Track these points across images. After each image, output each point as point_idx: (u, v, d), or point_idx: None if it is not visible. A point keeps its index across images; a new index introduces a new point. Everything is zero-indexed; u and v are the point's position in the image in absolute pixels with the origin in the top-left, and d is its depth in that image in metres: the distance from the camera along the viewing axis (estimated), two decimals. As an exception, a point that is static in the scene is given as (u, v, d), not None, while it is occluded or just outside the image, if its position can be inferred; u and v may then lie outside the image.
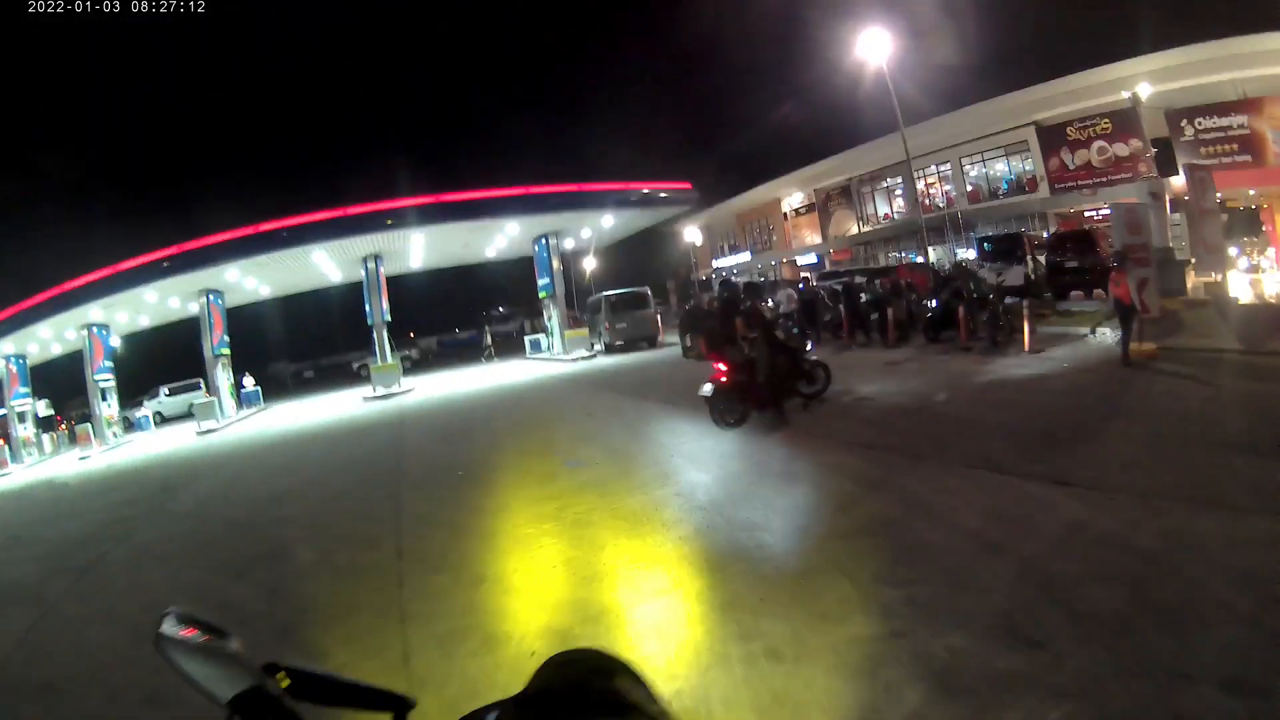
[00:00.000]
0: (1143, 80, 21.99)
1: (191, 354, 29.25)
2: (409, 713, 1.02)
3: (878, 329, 16.91)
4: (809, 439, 8.38)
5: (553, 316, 28.36)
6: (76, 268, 24.28)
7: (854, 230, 37.15)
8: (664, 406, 12.03)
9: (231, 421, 24.44)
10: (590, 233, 30.29)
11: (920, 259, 28.70)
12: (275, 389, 38.37)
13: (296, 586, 5.91)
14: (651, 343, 25.61)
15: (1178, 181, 20.89)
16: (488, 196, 24.86)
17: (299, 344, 52.33)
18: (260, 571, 6.47)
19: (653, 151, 58.06)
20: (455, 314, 60.95)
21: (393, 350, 27.12)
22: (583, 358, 24.77)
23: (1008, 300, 14.85)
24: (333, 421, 19.03)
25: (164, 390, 32.17)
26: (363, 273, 26.67)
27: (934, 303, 15.98)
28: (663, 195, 27.48)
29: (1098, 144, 25.51)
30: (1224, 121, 22.59)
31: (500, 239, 29.34)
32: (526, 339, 31.88)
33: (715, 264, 45.57)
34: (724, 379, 9.30)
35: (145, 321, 31.94)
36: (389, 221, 23.90)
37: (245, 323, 40.17)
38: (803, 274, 32.42)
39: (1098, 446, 6.33)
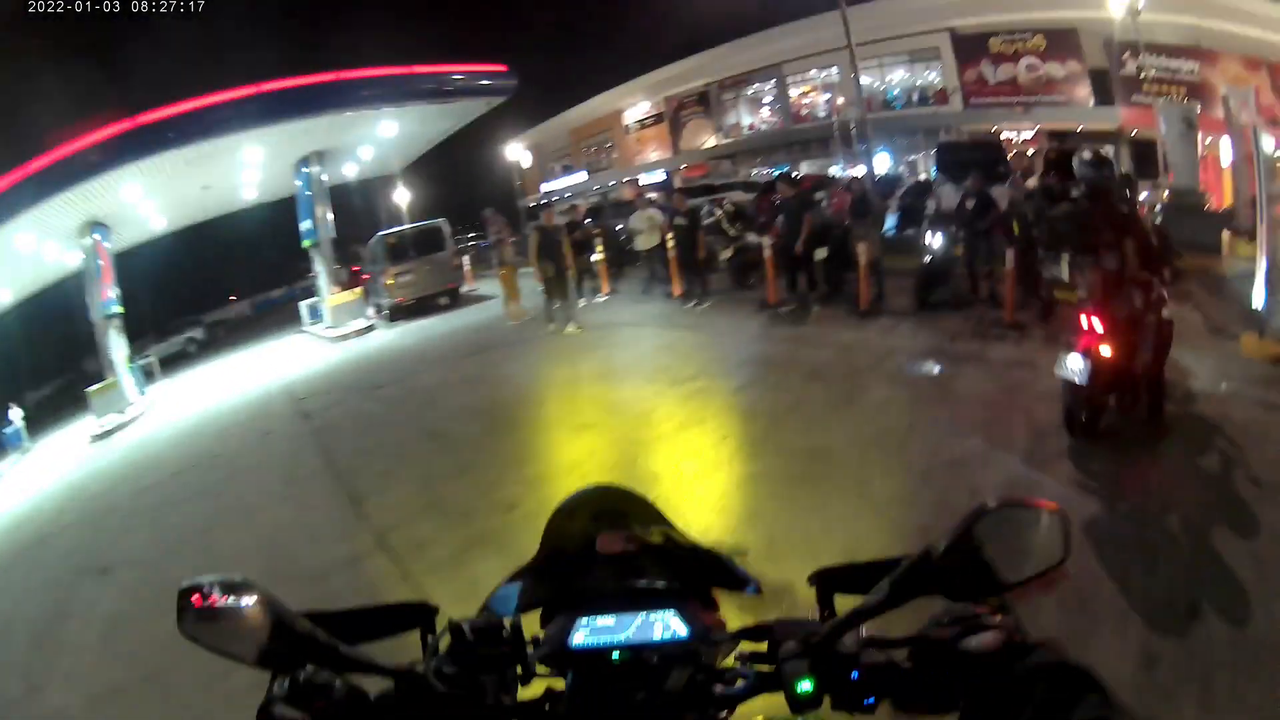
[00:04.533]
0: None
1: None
2: (435, 617, 0.97)
3: (825, 280, 10.08)
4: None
5: (319, 274, 19.81)
6: None
7: (710, 143, 32.74)
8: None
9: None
10: (372, 149, 21.58)
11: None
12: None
13: None
14: (453, 297, 18.43)
15: (1110, 117, 20.91)
16: (197, 108, 15.81)
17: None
18: None
19: (455, 37, 47.01)
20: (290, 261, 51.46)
21: (132, 355, 18.93)
22: (354, 333, 17.36)
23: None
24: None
25: None
26: (84, 250, 18.43)
27: (935, 238, 9.22)
28: (465, 83, 18.94)
29: (1027, 60, 23.20)
30: (1173, 63, 20.73)
31: (251, 172, 20.20)
32: (302, 305, 22.71)
33: (544, 187, 38.87)
34: (1103, 351, 4.40)
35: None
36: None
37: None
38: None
39: None
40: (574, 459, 5.68)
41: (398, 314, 17.55)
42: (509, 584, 0.99)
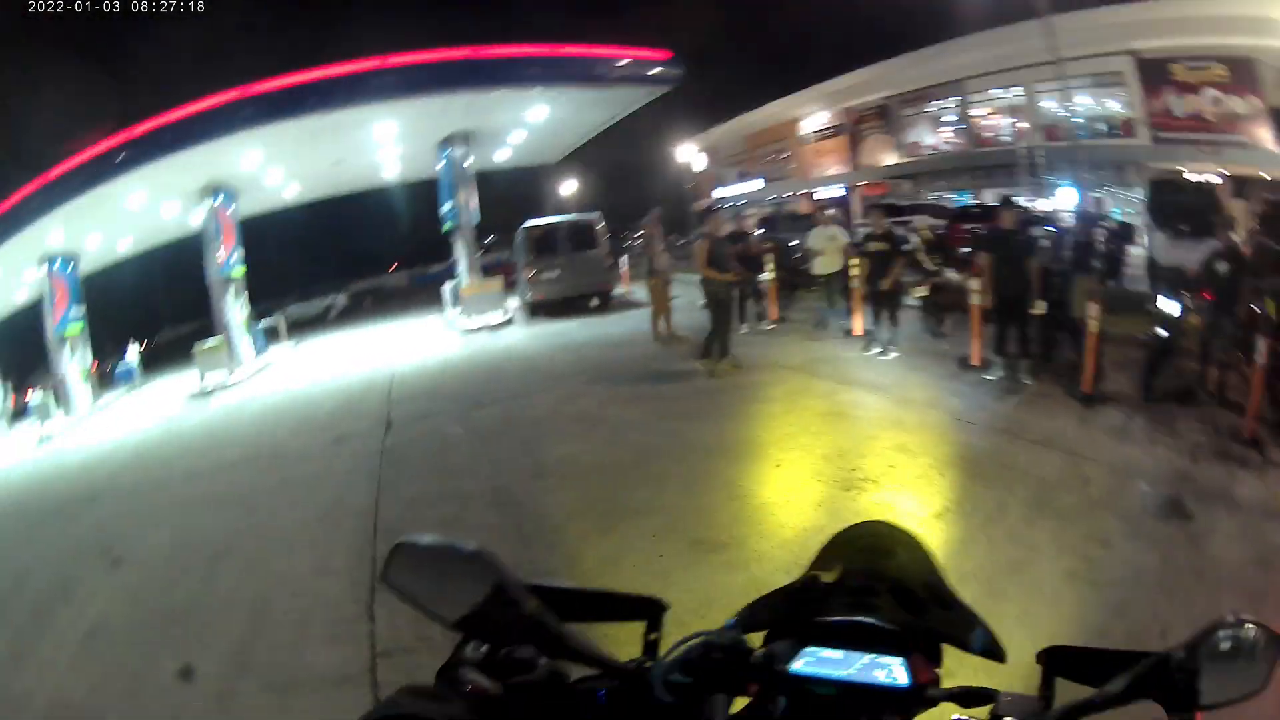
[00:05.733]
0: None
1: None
2: (664, 615, 0.94)
3: (1041, 346, 8.02)
4: None
5: (459, 260, 19.26)
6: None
7: (890, 161, 30.18)
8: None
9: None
10: (524, 135, 20.57)
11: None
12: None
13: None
14: (604, 300, 17.05)
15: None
16: (315, 79, 15.30)
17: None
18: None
19: (625, 29, 45.83)
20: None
21: (251, 316, 19.60)
22: (485, 327, 16.37)
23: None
24: None
25: None
26: (204, 212, 18.83)
27: (1171, 304, 7.08)
28: (622, 68, 17.12)
29: (1210, 92, 19.65)
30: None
31: (388, 149, 19.81)
32: (446, 288, 21.91)
33: (717, 193, 37.31)
34: None
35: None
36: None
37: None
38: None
39: None
40: (689, 604, 3.54)
41: (538, 311, 16.46)
42: (757, 602, 0.94)
